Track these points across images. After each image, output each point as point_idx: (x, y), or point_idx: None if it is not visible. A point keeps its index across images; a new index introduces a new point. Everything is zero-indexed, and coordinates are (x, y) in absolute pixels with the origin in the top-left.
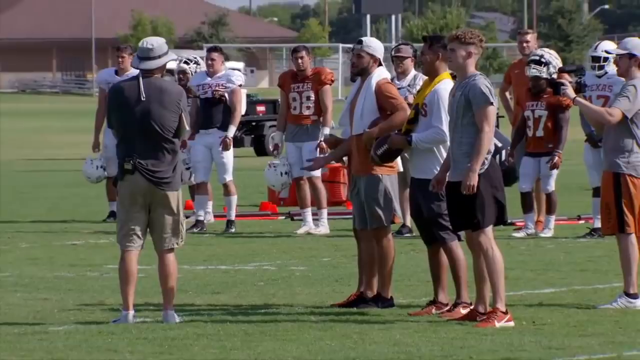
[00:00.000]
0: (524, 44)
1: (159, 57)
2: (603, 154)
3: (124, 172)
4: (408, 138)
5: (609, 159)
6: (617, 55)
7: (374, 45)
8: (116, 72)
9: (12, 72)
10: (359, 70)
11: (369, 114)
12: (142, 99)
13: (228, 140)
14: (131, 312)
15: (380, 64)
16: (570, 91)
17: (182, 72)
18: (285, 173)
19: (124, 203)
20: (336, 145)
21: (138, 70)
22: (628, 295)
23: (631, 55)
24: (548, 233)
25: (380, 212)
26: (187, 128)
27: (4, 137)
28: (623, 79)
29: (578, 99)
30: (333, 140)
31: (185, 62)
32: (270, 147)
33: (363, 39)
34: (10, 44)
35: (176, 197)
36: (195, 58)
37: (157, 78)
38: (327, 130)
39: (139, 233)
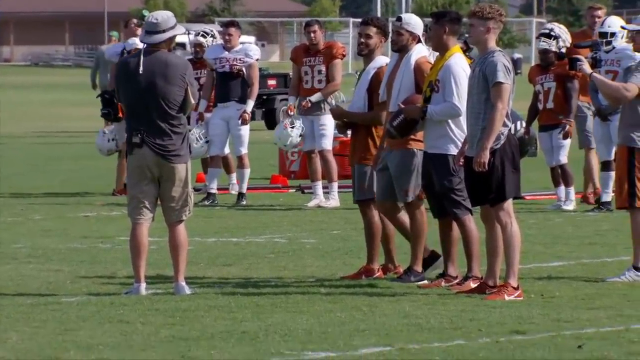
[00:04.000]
0: (596, 19)
1: (164, 31)
2: (618, 128)
3: (132, 146)
4: (423, 109)
5: (623, 133)
6: (633, 31)
7: (413, 22)
8: (127, 51)
9: (25, 45)
10: (398, 47)
11: (406, 92)
12: (140, 72)
13: (247, 114)
14: (142, 284)
15: (419, 41)
16: (586, 67)
17: (199, 45)
18: (301, 135)
19: (134, 176)
20: (342, 116)
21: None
22: (636, 269)
23: None
24: (570, 205)
25: (410, 186)
26: (193, 102)
27: (16, 110)
28: (631, 52)
29: (594, 74)
30: (339, 110)
31: (202, 35)
32: (281, 118)
33: (402, 15)
34: (23, 18)
35: (185, 169)
36: (211, 31)
37: (163, 52)
38: (314, 99)
39: (149, 206)
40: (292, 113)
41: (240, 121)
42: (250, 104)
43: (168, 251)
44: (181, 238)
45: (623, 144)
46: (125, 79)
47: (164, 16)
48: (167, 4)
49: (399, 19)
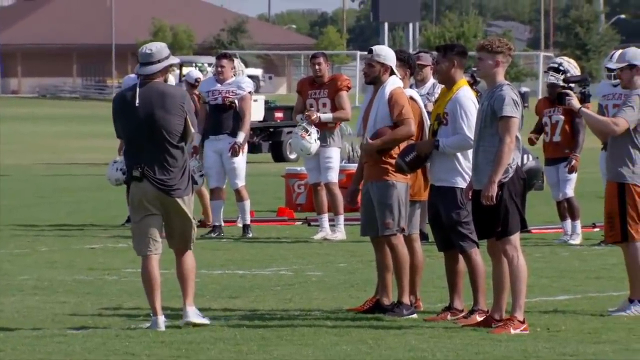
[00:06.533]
0: None
1: (159, 61)
2: (606, 163)
3: (132, 179)
4: (435, 142)
5: (613, 168)
6: (618, 69)
7: (384, 54)
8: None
9: (33, 77)
10: (371, 79)
11: (382, 123)
12: (136, 104)
13: (237, 146)
14: (160, 317)
15: (392, 73)
16: (575, 102)
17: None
18: (317, 139)
19: (136, 209)
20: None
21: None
22: (632, 301)
23: (632, 66)
24: (577, 239)
25: (390, 219)
26: (193, 130)
27: (24, 142)
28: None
29: (583, 109)
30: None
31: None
32: (297, 130)
33: (373, 47)
34: (31, 49)
35: (187, 202)
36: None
37: (159, 83)
38: (324, 117)
39: (155, 237)
40: (308, 120)
41: (230, 153)
42: (241, 136)
43: (174, 283)
44: (189, 262)
45: (612, 180)
46: (123, 113)
47: (157, 47)
48: (175, 36)
49: (370, 51)
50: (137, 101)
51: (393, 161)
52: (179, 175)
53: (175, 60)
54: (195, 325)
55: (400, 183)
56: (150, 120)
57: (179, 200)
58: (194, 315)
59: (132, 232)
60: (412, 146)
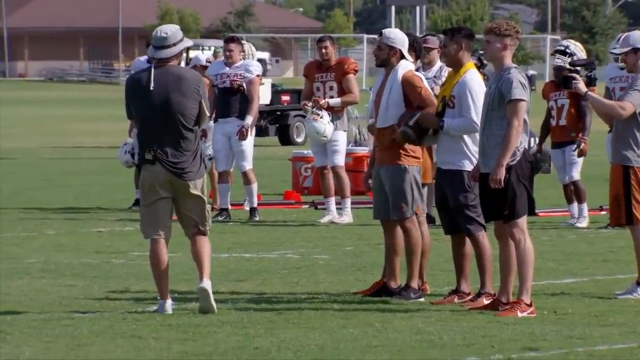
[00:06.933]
0: None
1: (174, 45)
2: (612, 146)
3: (144, 162)
4: (440, 123)
5: (618, 151)
6: (622, 53)
7: (393, 37)
8: (149, 60)
9: (40, 61)
10: (380, 62)
11: (394, 107)
12: (152, 88)
13: (245, 129)
14: (168, 301)
15: (402, 56)
16: (581, 85)
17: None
18: (330, 122)
19: (146, 192)
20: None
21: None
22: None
23: (636, 50)
24: (583, 222)
25: (404, 203)
26: (208, 114)
27: (31, 125)
28: None
29: (589, 93)
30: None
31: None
32: (307, 115)
33: (384, 30)
34: (38, 33)
35: (200, 184)
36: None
37: (174, 66)
38: (332, 102)
39: (165, 222)
40: (317, 105)
41: (238, 137)
42: (249, 119)
43: (181, 266)
44: (203, 243)
45: (617, 163)
46: (137, 96)
47: (172, 29)
48: (182, 19)
49: (380, 33)
50: (153, 85)
51: (405, 145)
52: (191, 158)
53: (189, 42)
54: (205, 294)
55: (413, 167)
56: (165, 104)
57: (191, 184)
58: (208, 285)
59: (140, 215)
60: (413, 113)
